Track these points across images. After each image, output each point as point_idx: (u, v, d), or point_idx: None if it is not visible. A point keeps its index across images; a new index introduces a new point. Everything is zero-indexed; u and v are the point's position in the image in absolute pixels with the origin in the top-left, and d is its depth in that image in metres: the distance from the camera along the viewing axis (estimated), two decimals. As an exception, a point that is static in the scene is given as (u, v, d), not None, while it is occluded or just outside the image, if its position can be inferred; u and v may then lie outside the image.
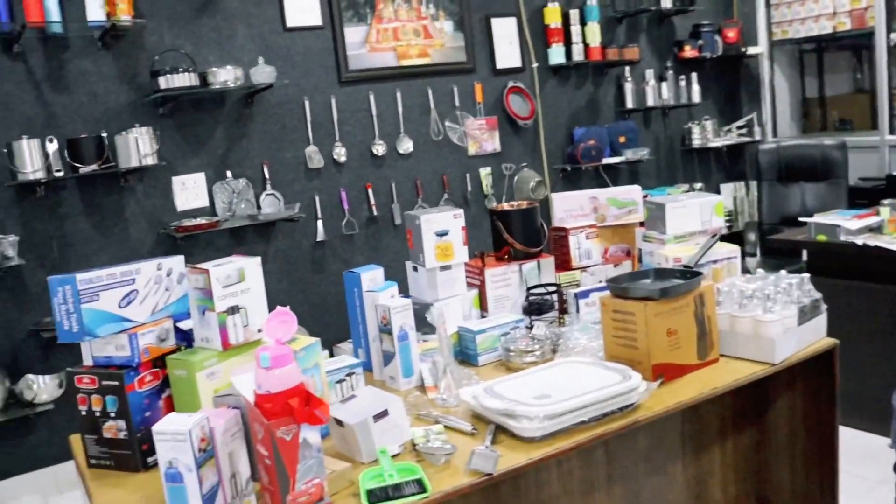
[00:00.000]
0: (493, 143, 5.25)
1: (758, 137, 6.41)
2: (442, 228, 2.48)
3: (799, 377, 2.49)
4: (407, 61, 4.93)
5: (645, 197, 2.94)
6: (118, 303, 1.90)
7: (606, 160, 5.55)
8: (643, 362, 2.15)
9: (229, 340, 1.92)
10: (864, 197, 5.40)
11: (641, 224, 2.96)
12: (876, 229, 3.75)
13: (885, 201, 4.16)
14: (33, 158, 3.80)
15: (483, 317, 2.62)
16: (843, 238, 3.75)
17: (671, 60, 6.06)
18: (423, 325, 2.50)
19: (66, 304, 1.82)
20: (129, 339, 1.88)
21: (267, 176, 4.59)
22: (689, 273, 2.28)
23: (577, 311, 2.60)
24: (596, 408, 1.93)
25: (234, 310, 1.94)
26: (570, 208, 2.93)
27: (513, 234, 2.68)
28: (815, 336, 2.40)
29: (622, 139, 5.71)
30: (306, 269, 4.76)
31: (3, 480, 4.01)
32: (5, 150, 3.83)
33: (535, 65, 5.40)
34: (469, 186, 5.23)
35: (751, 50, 6.25)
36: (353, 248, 4.89)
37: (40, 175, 3.83)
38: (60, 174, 3.90)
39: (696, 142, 6.16)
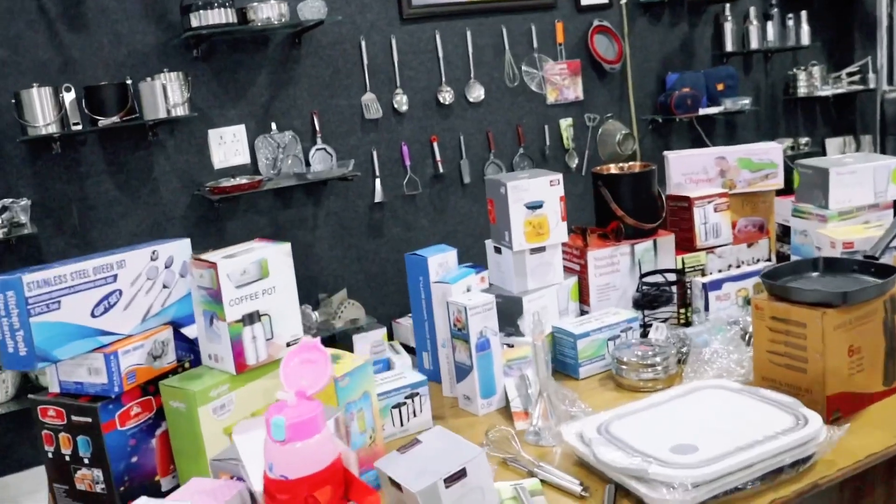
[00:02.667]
0: (575, 91, 4.61)
1: (872, 86, 5.65)
2: (535, 200, 1.89)
3: None
4: (478, -5, 4.31)
5: (790, 157, 2.33)
6: (91, 310, 1.36)
7: (703, 110, 4.87)
8: (813, 391, 1.57)
9: (246, 360, 1.40)
10: None
11: (780, 192, 2.35)
12: None
13: None
14: (46, 110, 3.29)
15: (584, 312, 2.04)
16: None
17: (777, -4, 5.33)
18: (508, 322, 1.93)
19: (8, 316, 1.28)
20: (105, 360, 1.34)
21: (317, 128, 4.03)
22: (874, 266, 1.66)
23: (706, 307, 2.00)
24: (762, 466, 1.35)
25: (252, 318, 1.42)
26: (691, 171, 2.32)
27: (622, 204, 2.08)
28: None
29: (720, 87, 5.02)
30: (362, 235, 4.21)
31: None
32: (13, 101, 3.32)
33: (623, 0, 4.71)
34: (548, 140, 4.61)
35: (869, -16, 5.47)
36: (415, 209, 4.32)
37: (54, 129, 3.31)
38: (78, 127, 3.39)
39: (802, 90, 5.44)
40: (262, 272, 1.43)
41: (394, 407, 1.64)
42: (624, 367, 1.79)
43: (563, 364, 1.89)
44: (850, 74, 5.69)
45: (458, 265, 1.88)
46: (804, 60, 5.53)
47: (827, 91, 5.51)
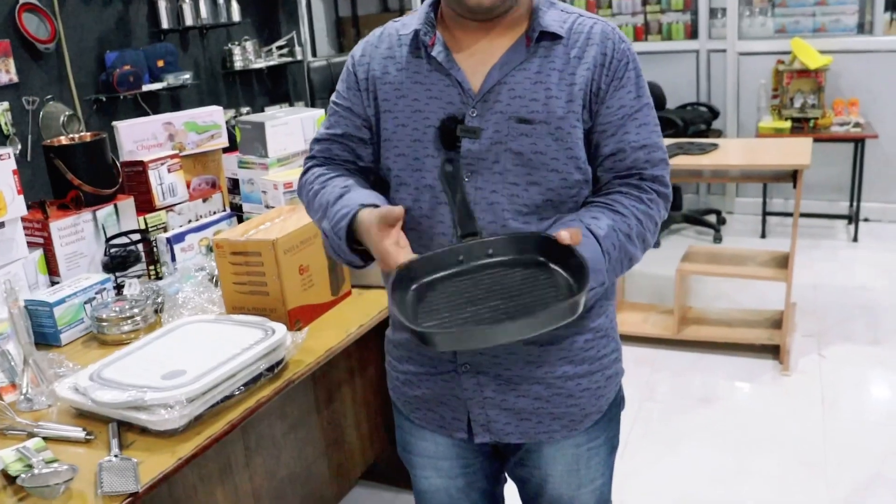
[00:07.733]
0: (8, 74, 4.38)
1: (299, 57, 6.22)
2: (-16, 175, 1.87)
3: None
4: None
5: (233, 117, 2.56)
6: None
7: (146, 87, 4.96)
8: (277, 309, 1.83)
9: None
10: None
11: (227, 150, 2.58)
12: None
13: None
14: None
15: (55, 283, 2.07)
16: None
17: (202, -26, 5.56)
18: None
19: None
20: None
21: None
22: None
23: (173, 259, 2.17)
24: (244, 374, 1.56)
25: None
26: (142, 138, 2.44)
27: (78, 173, 2.13)
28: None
29: (161, 63, 5.14)
30: None
31: None
32: None
33: (46, -22, 4.58)
34: (-15, 127, 4.32)
35: (284, -36, 5.97)
36: None
37: None
38: None
39: (238, 64, 5.80)
40: None
41: None
42: (105, 323, 1.87)
43: (42, 335, 1.90)
44: (280, 48, 6.17)
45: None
46: (238, 36, 5.86)
47: (261, 63, 5.92)
